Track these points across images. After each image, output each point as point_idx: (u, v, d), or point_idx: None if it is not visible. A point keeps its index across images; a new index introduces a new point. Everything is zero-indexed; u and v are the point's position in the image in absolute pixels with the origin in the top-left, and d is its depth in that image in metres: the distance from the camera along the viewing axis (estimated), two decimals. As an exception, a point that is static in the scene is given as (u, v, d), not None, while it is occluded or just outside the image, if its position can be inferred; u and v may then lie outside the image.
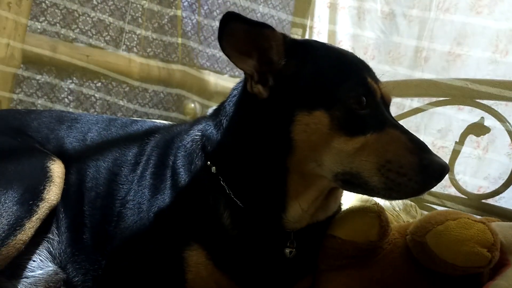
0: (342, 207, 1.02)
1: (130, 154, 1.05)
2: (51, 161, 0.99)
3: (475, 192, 1.64)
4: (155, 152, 1.04)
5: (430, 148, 0.84)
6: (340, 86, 0.85)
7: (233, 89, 1.00)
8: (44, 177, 0.95)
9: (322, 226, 0.96)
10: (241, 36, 0.85)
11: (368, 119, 0.85)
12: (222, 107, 0.99)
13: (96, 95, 2.41)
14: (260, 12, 2.77)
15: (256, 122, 0.90)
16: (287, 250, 0.93)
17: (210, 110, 2.93)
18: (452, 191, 1.62)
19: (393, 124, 0.87)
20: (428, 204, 1.55)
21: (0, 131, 1.05)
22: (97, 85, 2.42)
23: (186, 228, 0.93)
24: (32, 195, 0.92)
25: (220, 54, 2.60)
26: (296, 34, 2.69)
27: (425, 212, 1.35)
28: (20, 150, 1.00)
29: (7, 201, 0.89)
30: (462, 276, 0.90)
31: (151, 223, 0.94)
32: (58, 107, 2.28)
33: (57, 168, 0.99)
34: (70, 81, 2.31)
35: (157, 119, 2.38)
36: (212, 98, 2.69)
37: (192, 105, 2.60)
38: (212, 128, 0.98)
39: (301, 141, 0.86)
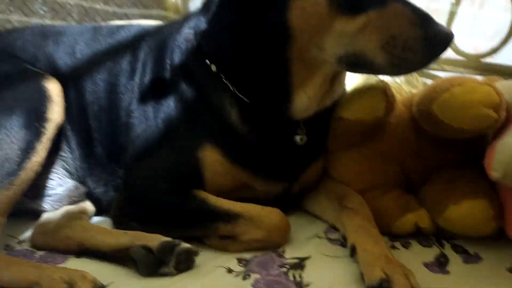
0: (346, 88, 1.02)
1: (124, 62, 1.02)
2: (46, 80, 0.97)
3: (472, 52, 1.61)
4: (150, 57, 1.01)
5: (423, 7, 0.81)
6: None
7: None
8: (43, 97, 0.94)
9: (329, 111, 0.96)
10: None
11: None
12: (211, 1, 0.94)
13: (70, 2, 2.28)
14: None
15: (251, 13, 0.86)
16: (298, 138, 0.95)
17: (192, 3, 2.78)
18: (451, 54, 1.61)
19: None
20: (428, 71, 1.54)
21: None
22: (70, -11, 2.27)
23: (196, 129, 0.94)
24: (35, 117, 0.92)
25: None
26: None
27: (426, 80, 1.35)
28: (12, 74, 0.97)
29: (13, 127, 0.89)
30: (469, 139, 0.93)
31: (160, 130, 0.95)
32: (34, 20, 2.17)
33: (53, 86, 0.97)
34: (41, -12, 2.16)
35: (138, 18, 2.28)
36: (190, -11, 2.55)
37: (173, -1, 2.47)
38: (205, 25, 0.94)
39: (299, 27, 0.83)
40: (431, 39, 0.77)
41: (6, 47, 1.05)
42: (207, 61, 0.93)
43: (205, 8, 0.97)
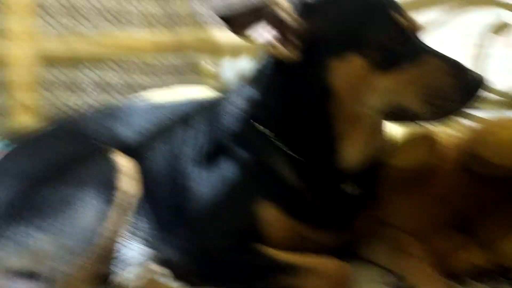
0: (389, 136, 1.08)
1: (183, 133, 1.12)
2: (114, 154, 1.06)
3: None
4: (205, 126, 1.11)
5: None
6: (366, 26, 0.89)
7: None
8: (112, 169, 1.02)
9: (376, 159, 1.03)
10: (244, 22, 0.90)
11: (401, 52, 0.88)
12: (260, 71, 1.04)
13: (114, 77, 2.47)
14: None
15: (297, 81, 0.96)
16: (349, 187, 1.02)
17: (224, 67, 2.93)
18: (487, 94, 1.65)
19: (427, 51, 0.90)
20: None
21: (56, 136, 1.13)
22: (114, 67, 2.46)
23: (252, 188, 1.02)
24: (106, 187, 0.99)
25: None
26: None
27: (463, 120, 1.40)
28: (81, 150, 1.08)
29: (86, 198, 0.96)
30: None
31: (219, 191, 1.03)
32: (83, 97, 2.34)
33: (121, 159, 1.06)
34: (88, 70, 2.36)
35: (174, 84, 2.42)
36: (222, 53, 2.71)
37: (205, 64, 2.63)
38: (253, 94, 1.04)
39: (339, 87, 0.91)
40: (465, 86, 0.85)
41: (74, 128, 1.17)
42: (259, 126, 1.02)
43: (252, 79, 1.08)
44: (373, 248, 1.10)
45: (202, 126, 1.11)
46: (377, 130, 1.01)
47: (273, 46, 0.93)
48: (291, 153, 1.00)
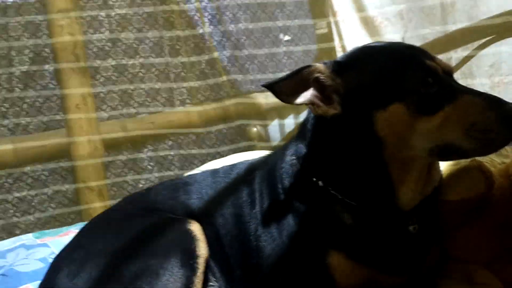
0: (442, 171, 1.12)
1: (244, 194, 1.20)
2: (189, 223, 1.14)
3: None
4: (264, 186, 1.17)
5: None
6: (403, 77, 0.94)
7: None
8: (190, 238, 1.10)
9: (433, 197, 1.06)
10: (289, 89, 0.98)
11: (440, 95, 0.93)
12: (305, 128, 1.11)
13: (171, 153, 2.61)
14: (281, 24, 2.89)
15: (343, 133, 1.02)
16: (411, 227, 1.04)
17: (272, 130, 3.05)
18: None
19: (462, 90, 0.95)
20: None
21: (134, 213, 1.22)
22: (169, 144, 2.62)
23: (318, 239, 1.06)
24: (189, 255, 1.07)
25: (260, 75, 2.75)
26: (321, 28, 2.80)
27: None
28: (160, 223, 1.16)
29: (174, 268, 1.04)
30: None
31: (287, 246, 1.08)
32: (145, 175, 2.50)
33: (195, 227, 1.14)
34: (146, 149, 2.52)
35: (228, 153, 2.54)
36: (268, 116, 2.83)
37: (254, 129, 2.75)
38: (304, 149, 1.10)
39: (387, 135, 0.96)
40: (506, 118, 0.88)
41: (149, 204, 1.27)
42: (314, 179, 1.07)
43: (300, 135, 1.14)
44: (447, 285, 1.10)
45: (262, 185, 1.17)
46: (433, 168, 1.05)
47: (315, 105, 1.00)
48: (348, 201, 1.04)
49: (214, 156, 2.66)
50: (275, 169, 1.16)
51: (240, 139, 2.79)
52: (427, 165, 1.02)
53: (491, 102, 0.90)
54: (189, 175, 1.42)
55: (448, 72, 1.00)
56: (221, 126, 2.74)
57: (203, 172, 1.37)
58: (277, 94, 0.98)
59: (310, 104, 1.00)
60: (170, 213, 1.22)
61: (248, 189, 1.19)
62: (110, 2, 2.41)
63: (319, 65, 1.00)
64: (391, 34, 2.24)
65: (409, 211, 1.04)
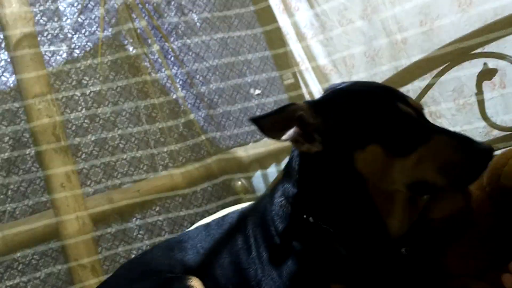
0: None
1: (239, 242, 1.22)
2: (189, 280, 1.16)
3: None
4: (257, 231, 1.20)
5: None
6: (378, 119, 1.00)
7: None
8: None
9: (418, 223, 1.11)
10: (274, 125, 1.04)
11: (413, 136, 0.98)
12: (291, 167, 1.16)
13: (159, 218, 2.62)
14: (250, 79, 3.01)
15: (327, 169, 1.07)
16: (403, 250, 1.08)
17: (255, 180, 3.08)
18: (496, 133, 1.75)
19: (434, 130, 1.00)
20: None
21: (134, 278, 1.23)
22: (156, 209, 2.63)
23: (318, 275, 1.09)
24: None
25: (237, 130, 2.83)
26: (288, 79, 2.94)
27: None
28: (161, 284, 1.17)
29: None
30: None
31: (289, 286, 1.10)
32: (136, 245, 2.49)
33: (196, 283, 1.16)
34: (134, 218, 2.53)
35: (216, 210, 2.56)
36: (250, 168, 2.89)
37: (239, 182, 2.79)
38: (292, 188, 1.14)
39: (368, 173, 1.02)
40: (476, 156, 0.94)
41: (147, 268, 1.28)
42: (304, 216, 1.11)
43: (287, 175, 1.18)
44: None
45: (255, 230, 1.20)
46: (418, 197, 1.09)
47: (299, 143, 1.06)
48: (341, 234, 1.08)
49: (202, 215, 2.67)
50: (266, 213, 1.19)
51: (226, 194, 2.82)
52: (409, 196, 1.06)
53: (462, 141, 0.96)
54: (182, 233, 1.44)
55: (419, 110, 1.05)
56: (206, 185, 2.77)
57: (196, 228, 1.39)
58: (262, 129, 1.02)
59: (294, 141, 1.06)
60: (169, 272, 1.23)
61: (242, 236, 1.22)
62: (84, 81, 2.50)
63: (302, 104, 1.06)
64: (338, 79, 2.40)
65: (400, 239, 1.08)
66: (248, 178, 2.82)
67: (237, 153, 2.78)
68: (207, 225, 1.35)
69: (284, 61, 2.76)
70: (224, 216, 1.35)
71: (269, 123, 1.02)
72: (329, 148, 1.04)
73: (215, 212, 2.39)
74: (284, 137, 1.04)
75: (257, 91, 3.00)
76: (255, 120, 1.01)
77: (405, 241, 1.09)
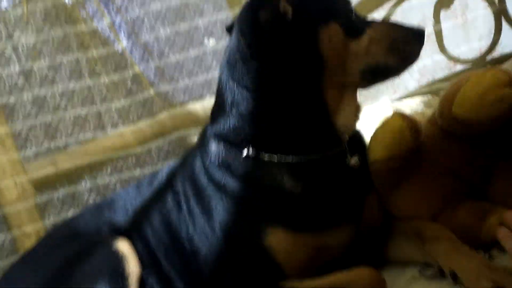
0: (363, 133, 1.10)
1: (169, 199, 1.11)
2: (114, 243, 1.05)
3: (479, 55, 1.64)
4: (187, 184, 1.09)
5: None
6: (335, 2, 1.02)
7: (225, 66, 1.03)
8: (116, 258, 1.02)
9: (358, 140, 1.06)
10: None
11: (360, 22, 1.02)
12: (222, 97, 1.02)
13: (112, 180, 2.47)
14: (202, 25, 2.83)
15: (283, 52, 0.95)
16: (353, 160, 1.00)
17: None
18: (459, 67, 1.65)
19: (373, 20, 1.06)
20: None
21: (59, 244, 1.12)
22: (108, 171, 2.48)
23: (253, 219, 0.97)
24: (117, 277, 0.99)
25: (190, 82, 2.66)
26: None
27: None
28: (84, 247, 1.06)
29: None
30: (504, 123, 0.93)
31: (222, 239, 0.99)
32: (88, 209, 2.34)
33: (123, 245, 1.06)
34: (84, 181, 2.37)
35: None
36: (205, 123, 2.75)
37: (195, 138, 2.65)
38: (229, 123, 1.00)
39: (329, 55, 0.96)
40: (414, 32, 1.02)
41: (71, 231, 1.16)
42: (243, 151, 0.98)
43: (218, 115, 1.05)
44: (398, 246, 1.03)
45: (184, 184, 1.09)
46: (356, 99, 1.05)
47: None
48: (285, 156, 0.97)
49: (158, 174, 2.52)
50: (195, 163, 1.07)
51: (182, 151, 2.68)
52: (356, 94, 1.04)
53: (401, 25, 1.04)
54: (116, 192, 1.32)
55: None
56: (160, 142, 2.62)
57: (128, 187, 1.27)
58: None
59: None
60: (96, 235, 1.12)
61: (171, 193, 1.10)
62: (15, 35, 2.28)
63: None
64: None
65: (347, 146, 1.01)
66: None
67: (192, 107, 2.62)
68: (139, 183, 1.24)
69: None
70: (155, 173, 1.23)
71: None
72: (297, 20, 0.96)
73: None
74: None
75: (212, 41, 2.81)
76: None
77: (353, 149, 1.02)
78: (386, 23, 1.09)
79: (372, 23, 1.04)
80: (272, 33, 0.94)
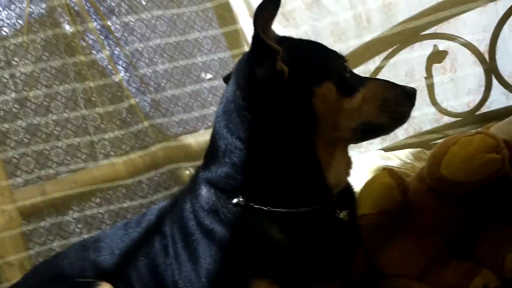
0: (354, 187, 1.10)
1: (156, 243, 1.10)
2: (98, 286, 1.03)
3: (466, 109, 1.69)
4: (175, 228, 1.08)
5: None
6: (330, 61, 1.03)
7: (219, 119, 1.03)
8: None
9: (349, 194, 1.07)
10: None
11: (354, 80, 1.04)
12: (217, 148, 1.02)
13: (100, 210, 2.46)
14: (200, 61, 2.86)
15: (278, 107, 0.96)
16: (342, 214, 1.00)
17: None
18: (446, 119, 1.68)
19: (367, 78, 1.09)
20: (433, 142, 1.60)
21: (42, 284, 1.09)
22: (96, 201, 2.46)
23: (239, 270, 0.96)
24: None
25: (185, 116, 2.68)
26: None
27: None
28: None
29: None
30: (491, 185, 0.95)
31: (207, 287, 0.98)
32: (74, 239, 2.32)
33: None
34: (72, 211, 2.35)
35: (164, 200, 2.41)
36: (199, 157, 2.74)
37: (187, 171, 2.64)
38: (220, 170, 1.01)
39: (322, 112, 0.97)
40: (406, 93, 1.04)
41: (55, 270, 1.14)
42: (233, 200, 0.98)
43: (210, 161, 1.05)
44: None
45: (172, 228, 1.08)
46: (348, 154, 1.07)
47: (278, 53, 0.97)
48: (274, 209, 0.97)
49: (148, 207, 2.52)
50: (184, 207, 1.07)
51: (173, 184, 2.67)
52: (347, 149, 1.05)
53: (393, 84, 1.06)
54: (100, 231, 1.30)
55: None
56: (151, 174, 2.61)
57: (115, 226, 1.26)
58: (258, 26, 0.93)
59: (277, 50, 0.96)
60: (79, 276, 1.10)
61: (159, 235, 1.09)
62: (14, 62, 2.29)
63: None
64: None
65: (337, 199, 1.01)
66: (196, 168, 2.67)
67: (186, 140, 2.62)
68: (127, 223, 1.22)
69: (236, 40, 2.60)
70: (144, 213, 1.22)
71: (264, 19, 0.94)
72: (292, 79, 0.97)
73: (161, 201, 2.25)
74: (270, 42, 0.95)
75: (209, 75, 2.84)
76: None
77: (343, 202, 1.03)
78: (379, 82, 1.08)
79: (366, 81, 1.06)
80: (267, 89, 0.95)
